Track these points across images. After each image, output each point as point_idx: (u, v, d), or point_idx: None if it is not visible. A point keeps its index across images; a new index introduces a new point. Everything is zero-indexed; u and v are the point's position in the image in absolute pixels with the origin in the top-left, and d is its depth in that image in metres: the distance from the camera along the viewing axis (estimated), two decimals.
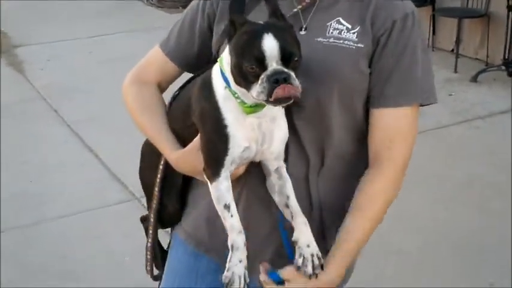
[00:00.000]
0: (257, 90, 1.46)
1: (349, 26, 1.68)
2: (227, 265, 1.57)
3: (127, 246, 3.94)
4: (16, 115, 6.19)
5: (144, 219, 2.00)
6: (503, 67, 6.98)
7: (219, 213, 1.61)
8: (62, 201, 4.69)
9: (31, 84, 7.16)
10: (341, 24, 1.69)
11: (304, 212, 1.65)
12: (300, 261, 1.61)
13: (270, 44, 1.46)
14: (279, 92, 1.44)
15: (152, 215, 1.91)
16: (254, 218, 1.75)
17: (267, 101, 1.46)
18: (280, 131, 1.63)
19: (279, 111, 1.61)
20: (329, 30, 1.69)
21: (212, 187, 1.61)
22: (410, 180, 4.66)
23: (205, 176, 1.63)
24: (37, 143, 5.64)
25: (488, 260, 3.93)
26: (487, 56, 7.45)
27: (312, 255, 1.61)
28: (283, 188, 1.66)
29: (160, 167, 1.85)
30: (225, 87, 1.57)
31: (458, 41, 7.44)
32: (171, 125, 1.81)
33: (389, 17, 1.68)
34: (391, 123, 1.70)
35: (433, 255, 3.98)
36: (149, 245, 1.95)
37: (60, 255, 4.04)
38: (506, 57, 6.97)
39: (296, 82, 1.45)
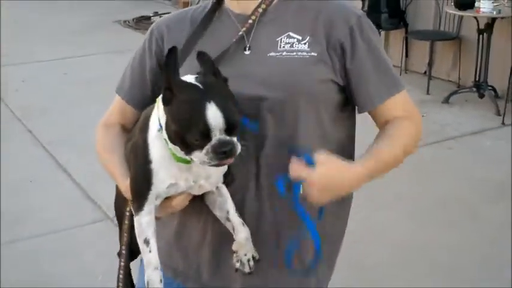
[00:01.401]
0: (201, 159, 1.46)
1: (300, 38, 1.72)
2: None
3: (101, 266, 3.94)
4: None
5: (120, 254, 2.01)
6: (474, 89, 7.08)
7: (140, 246, 1.62)
8: (36, 221, 4.68)
9: (6, 105, 7.14)
10: (291, 37, 1.72)
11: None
12: (237, 264, 1.69)
13: (214, 116, 1.43)
14: (224, 162, 1.49)
15: (124, 248, 1.88)
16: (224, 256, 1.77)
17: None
18: (216, 170, 1.60)
19: None
20: (280, 44, 1.71)
21: (135, 221, 1.62)
22: (382, 199, 4.76)
23: (132, 209, 1.65)
24: (11, 163, 5.61)
25: (459, 277, 3.97)
26: (459, 78, 7.57)
27: (249, 260, 1.69)
28: (224, 204, 1.68)
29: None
30: (158, 130, 1.56)
31: (430, 63, 7.55)
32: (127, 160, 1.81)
33: (345, 23, 1.72)
34: (392, 114, 1.76)
35: (404, 273, 4.01)
36: (121, 276, 1.88)
37: (34, 274, 4.02)
38: (477, 79, 7.07)
39: (238, 147, 1.47)
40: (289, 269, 1.78)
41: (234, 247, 1.68)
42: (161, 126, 1.54)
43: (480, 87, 7.02)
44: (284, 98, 1.68)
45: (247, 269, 1.69)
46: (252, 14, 1.76)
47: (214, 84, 1.51)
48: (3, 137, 6.19)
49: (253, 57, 1.69)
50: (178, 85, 1.49)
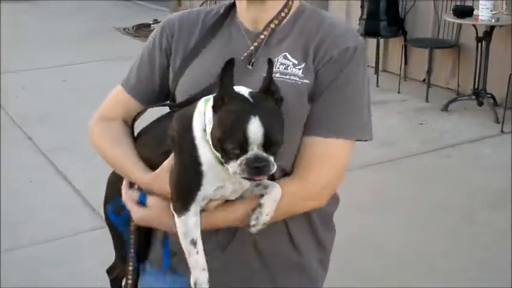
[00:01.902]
0: (234, 170, 1.47)
1: (295, 62, 1.71)
2: None
3: (99, 273, 3.92)
4: None
5: (109, 271, 2.01)
6: (473, 96, 7.10)
7: (184, 248, 1.59)
8: (35, 228, 4.68)
9: (5, 112, 7.16)
10: (287, 59, 1.72)
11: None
12: (253, 221, 1.62)
13: (254, 130, 1.44)
14: (255, 178, 1.48)
15: (130, 277, 1.89)
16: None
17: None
18: None
19: None
20: (276, 65, 1.71)
21: (180, 221, 1.58)
22: (381, 207, 4.76)
23: (172, 209, 1.61)
24: (11, 170, 5.63)
25: (457, 283, 3.96)
26: (458, 86, 7.59)
27: (264, 224, 1.63)
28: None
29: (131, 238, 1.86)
30: (204, 130, 1.55)
31: (429, 71, 7.57)
32: (140, 154, 1.80)
33: (328, 52, 1.70)
34: (316, 150, 1.70)
35: (403, 279, 4.01)
36: (129, 282, 1.89)
37: (33, 282, 4.02)
38: (476, 87, 7.09)
39: (273, 168, 1.47)
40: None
41: (262, 200, 1.62)
42: (205, 129, 1.54)
43: (479, 95, 7.04)
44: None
45: (254, 230, 1.63)
46: (264, 29, 1.76)
47: (264, 100, 1.52)
48: (3, 144, 6.20)
49: (252, 73, 1.70)
50: (230, 95, 1.50)
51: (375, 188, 4.99)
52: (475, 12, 6.76)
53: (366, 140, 1.75)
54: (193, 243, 1.57)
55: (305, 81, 1.69)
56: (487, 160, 5.90)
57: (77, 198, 5.15)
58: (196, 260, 1.57)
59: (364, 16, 7.93)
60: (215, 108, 1.51)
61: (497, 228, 4.58)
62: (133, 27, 11.18)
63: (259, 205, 1.63)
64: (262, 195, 1.64)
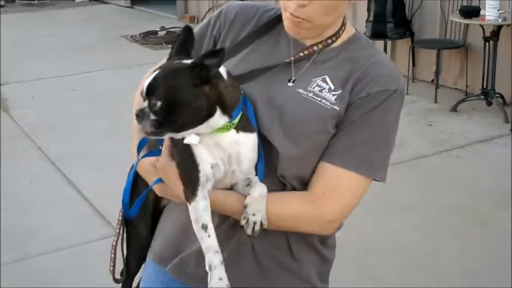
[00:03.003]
0: None
1: (332, 87, 1.71)
2: (209, 286, 1.56)
3: (110, 283, 3.93)
4: (1, 152, 6.20)
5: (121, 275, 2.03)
6: (482, 96, 7.08)
7: (196, 233, 1.61)
8: (45, 238, 4.69)
9: (15, 122, 7.19)
10: (325, 82, 1.72)
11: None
12: (243, 222, 1.66)
13: (146, 82, 1.58)
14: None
15: (120, 213, 1.95)
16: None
17: None
18: (247, 155, 1.65)
19: (243, 136, 1.64)
20: (312, 85, 1.72)
21: (191, 208, 1.62)
22: (391, 208, 4.75)
23: (185, 198, 1.65)
24: (21, 180, 5.65)
25: (467, 285, 3.96)
26: (466, 86, 7.57)
27: (255, 223, 1.66)
28: (248, 179, 1.70)
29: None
30: None
31: (437, 72, 7.56)
32: None
33: (367, 87, 1.70)
34: (332, 180, 1.71)
35: (413, 283, 4.00)
36: (113, 243, 1.95)
37: None
38: (485, 87, 7.07)
39: (146, 122, 1.56)
40: None
41: (246, 201, 1.65)
42: None
43: (488, 94, 7.02)
44: (288, 134, 1.69)
45: (249, 231, 1.66)
46: (307, 48, 1.76)
47: (178, 65, 1.60)
48: (13, 154, 6.23)
49: (290, 90, 1.72)
50: (171, 57, 1.68)
51: (384, 190, 4.92)
52: (481, 12, 6.75)
53: (379, 181, 1.75)
54: (204, 227, 1.59)
55: (335, 107, 1.69)
56: (496, 160, 5.87)
57: (87, 207, 5.16)
58: (209, 243, 1.59)
59: (371, 18, 7.92)
60: None
61: (507, 229, 4.55)
62: (140, 34, 11.21)
63: (244, 206, 1.66)
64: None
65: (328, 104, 1.70)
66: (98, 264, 4.25)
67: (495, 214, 4.83)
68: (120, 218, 1.96)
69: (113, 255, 1.96)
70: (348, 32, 1.80)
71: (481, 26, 6.87)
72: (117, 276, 2.02)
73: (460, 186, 5.34)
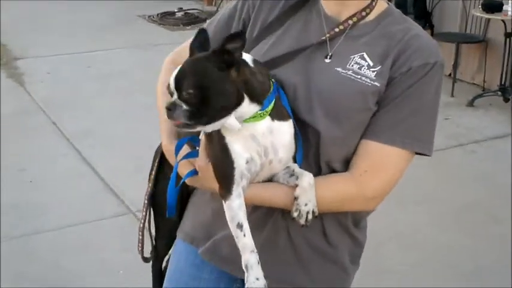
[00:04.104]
0: None
1: (371, 64, 1.70)
2: (246, 286, 1.56)
3: (122, 260, 3.95)
4: (15, 127, 6.20)
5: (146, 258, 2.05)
6: (499, 92, 7.04)
7: (232, 232, 1.61)
8: (59, 213, 4.70)
9: (31, 97, 7.18)
10: (364, 59, 1.71)
11: None
12: (295, 214, 1.65)
13: (172, 76, 1.57)
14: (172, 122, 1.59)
15: (146, 197, 1.97)
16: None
17: None
18: (283, 143, 1.64)
19: (277, 124, 1.63)
20: (350, 62, 1.70)
21: (226, 206, 1.61)
22: (406, 201, 4.73)
23: (220, 196, 1.64)
24: (35, 155, 5.66)
25: (481, 280, 3.95)
26: (484, 81, 7.51)
27: (308, 213, 1.65)
28: (289, 168, 1.69)
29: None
30: None
31: (455, 66, 7.50)
32: None
33: (408, 62, 1.69)
34: (377, 157, 1.70)
35: (427, 276, 3.99)
36: (141, 225, 1.98)
37: (56, 266, 4.05)
38: (503, 83, 7.02)
39: (180, 114, 1.54)
40: None
41: (296, 193, 1.65)
42: None
43: (505, 91, 6.97)
44: (329, 114, 1.68)
45: (303, 221, 1.66)
46: (342, 23, 1.75)
47: (201, 56, 1.60)
48: (27, 128, 6.23)
49: (328, 67, 1.70)
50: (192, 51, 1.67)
51: (399, 184, 4.89)
52: (504, 7, 6.69)
53: (425, 155, 1.74)
54: (240, 226, 1.59)
55: (376, 83, 1.68)
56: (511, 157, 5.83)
57: (100, 184, 5.16)
58: (245, 243, 1.59)
59: None
60: None
61: None
62: (158, 14, 11.16)
63: (295, 197, 1.65)
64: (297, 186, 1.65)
65: (369, 81, 1.68)
66: (109, 241, 4.32)
67: (508, 210, 4.79)
68: (146, 201, 1.96)
69: (140, 237, 1.97)
70: (381, 5, 1.79)
71: (502, 21, 6.82)
72: (146, 255, 2.03)
73: (474, 181, 5.32)
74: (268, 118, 1.60)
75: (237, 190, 1.60)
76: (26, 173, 5.30)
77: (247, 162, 1.60)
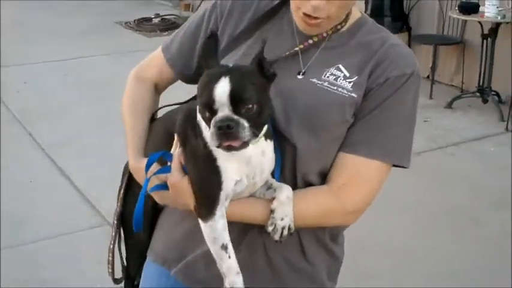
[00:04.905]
0: (208, 135, 1.45)
1: (347, 74, 1.66)
2: None
3: (99, 272, 3.87)
4: None
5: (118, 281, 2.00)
6: (478, 94, 7.04)
7: (214, 254, 1.55)
8: (34, 225, 4.62)
9: (6, 107, 7.09)
10: (339, 70, 1.66)
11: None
12: (270, 228, 1.60)
13: (220, 89, 1.41)
14: (225, 143, 1.43)
15: (115, 216, 1.91)
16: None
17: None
18: (269, 163, 1.60)
19: (266, 144, 1.57)
20: (326, 73, 1.66)
21: (207, 226, 1.55)
22: (384, 206, 4.72)
23: (197, 215, 1.58)
24: (10, 166, 5.57)
25: (463, 284, 3.92)
26: (462, 83, 7.53)
27: (283, 228, 1.60)
28: (267, 182, 1.64)
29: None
30: None
31: (433, 68, 7.50)
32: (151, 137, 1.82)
33: (385, 74, 1.65)
34: (355, 170, 1.66)
35: (410, 282, 3.95)
36: (110, 246, 1.91)
37: (32, 280, 3.98)
38: (481, 84, 7.03)
39: (244, 131, 1.42)
40: None
41: (273, 206, 1.60)
42: None
43: (484, 92, 6.98)
44: (306, 127, 1.64)
45: (277, 236, 1.60)
46: (316, 35, 1.70)
47: (243, 67, 1.50)
48: (3, 139, 6.14)
49: (301, 81, 1.66)
50: (210, 63, 1.51)
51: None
52: (480, 9, 6.70)
53: (403, 167, 1.70)
54: (224, 247, 1.54)
55: (352, 95, 1.64)
56: (491, 159, 5.84)
57: (76, 195, 5.09)
58: (230, 264, 1.54)
59: (368, 12, 7.84)
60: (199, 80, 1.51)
61: (503, 228, 4.52)
62: (135, 21, 11.11)
63: (271, 210, 1.60)
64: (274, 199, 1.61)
65: (345, 92, 1.64)
66: (86, 254, 4.24)
67: (489, 213, 4.80)
68: (116, 221, 1.90)
69: (110, 258, 1.92)
70: (354, 15, 1.75)
71: (479, 22, 6.82)
72: (116, 276, 1.98)
73: (454, 184, 5.30)
74: (262, 138, 1.54)
75: (221, 210, 1.54)
76: (1, 184, 5.21)
77: (235, 184, 1.55)
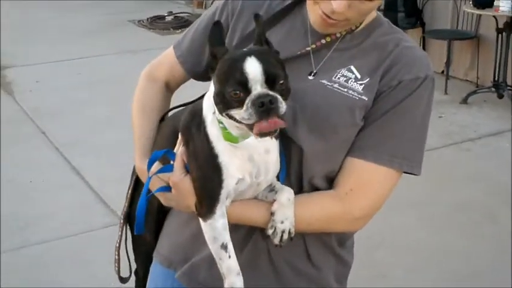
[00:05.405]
0: (242, 116, 1.38)
1: (359, 76, 1.62)
2: None
3: (112, 272, 3.86)
4: (3, 137, 6.12)
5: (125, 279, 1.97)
6: (493, 89, 6.98)
7: (214, 254, 1.52)
8: (47, 225, 4.62)
9: (19, 106, 7.11)
10: (351, 72, 1.63)
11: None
12: (270, 231, 1.57)
13: (252, 67, 1.38)
14: (263, 126, 1.37)
15: (122, 216, 1.89)
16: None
17: (251, 128, 1.39)
18: (274, 163, 1.56)
19: (272, 143, 1.54)
20: (337, 75, 1.62)
21: (206, 225, 1.52)
22: (399, 203, 4.68)
23: (197, 214, 1.56)
24: (24, 165, 5.58)
25: (477, 281, 3.88)
26: (477, 78, 7.46)
27: (283, 231, 1.57)
28: (270, 184, 1.60)
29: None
30: (213, 113, 1.50)
31: (448, 63, 7.45)
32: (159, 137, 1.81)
33: (398, 76, 1.61)
34: (363, 176, 1.62)
35: (421, 279, 3.92)
36: (117, 245, 1.90)
37: (45, 281, 3.96)
38: (496, 79, 6.96)
39: (282, 106, 1.38)
40: None
41: (273, 208, 1.56)
42: (215, 111, 1.49)
43: (499, 87, 6.91)
44: (313, 129, 1.60)
45: (277, 240, 1.57)
46: (329, 35, 1.66)
47: (259, 48, 1.49)
48: (17, 138, 6.15)
49: (311, 82, 1.63)
50: (221, 50, 1.47)
51: None
52: (495, 3, 6.64)
53: (415, 174, 1.66)
54: (224, 247, 1.51)
55: (363, 97, 1.60)
56: (507, 154, 5.76)
57: (90, 194, 5.09)
58: (229, 264, 1.51)
59: (382, 7, 7.78)
60: (212, 69, 1.48)
61: None
62: (148, 19, 11.11)
63: (271, 213, 1.57)
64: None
65: (356, 94, 1.60)
66: (99, 253, 4.22)
67: (505, 210, 4.73)
68: (122, 221, 1.89)
69: (116, 257, 1.90)
70: (370, 15, 1.70)
71: (494, 17, 6.77)
72: (123, 274, 1.96)
73: (469, 180, 5.25)
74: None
75: (221, 209, 1.52)
76: (14, 184, 5.21)
77: (237, 182, 1.52)
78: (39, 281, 3.97)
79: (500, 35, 6.85)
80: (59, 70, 8.39)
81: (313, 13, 1.65)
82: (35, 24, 10.61)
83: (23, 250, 4.32)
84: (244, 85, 1.38)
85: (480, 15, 7.12)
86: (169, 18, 11.17)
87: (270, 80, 1.39)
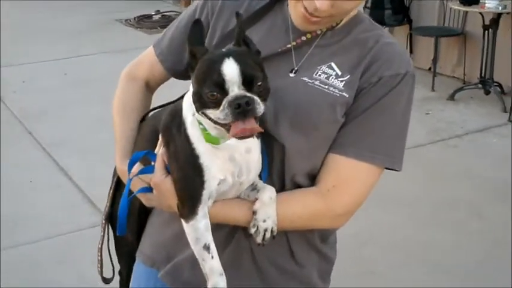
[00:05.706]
0: (218, 116, 1.39)
1: (339, 73, 1.62)
2: None
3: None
4: None
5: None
6: (480, 85, 7.00)
7: (197, 254, 1.52)
8: (35, 224, 4.60)
9: (6, 106, 7.07)
10: (332, 69, 1.62)
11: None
12: (253, 230, 1.58)
13: (229, 68, 1.38)
14: (239, 130, 1.38)
15: (104, 217, 1.89)
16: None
17: (227, 129, 1.40)
18: (256, 162, 1.56)
19: (253, 142, 1.53)
20: (317, 72, 1.62)
21: (188, 226, 1.52)
22: (385, 200, 4.69)
23: (179, 215, 1.55)
24: (11, 166, 5.55)
25: (464, 277, 3.90)
26: (464, 75, 7.49)
27: (265, 230, 1.57)
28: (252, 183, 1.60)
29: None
30: (193, 114, 1.50)
31: (435, 60, 7.47)
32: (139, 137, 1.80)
33: (378, 73, 1.61)
34: (344, 172, 1.62)
35: (409, 275, 3.93)
36: (99, 246, 1.89)
37: (33, 280, 3.95)
38: (483, 76, 6.99)
39: (260, 107, 1.39)
40: None
41: (255, 207, 1.56)
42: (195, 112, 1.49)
43: (486, 83, 6.94)
44: (295, 126, 1.60)
45: (259, 239, 1.58)
46: (309, 32, 1.66)
47: (238, 49, 1.48)
48: (3, 139, 6.12)
49: (293, 79, 1.62)
50: (201, 50, 1.48)
51: (379, 180, 4.83)
52: (481, 0, 6.65)
53: (396, 170, 1.66)
54: (207, 248, 1.51)
55: (344, 94, 1.60)
56: (494, 150, 5.80)
57: (77, 194, 5.07)
58: (212, 265, 1.51)
59: (369, 5, 7.82)
60: (192, 69, 1.48)
61: (505, 221, 4.48)
62: (135, 18, 11.08)
63: (253, 212, 1.56)
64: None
65: (337, 91, 1.60)
66: (86, 253, 4.18)
67: (492, 206, 4.76)
68: (104, 222, 1.88)
69: (99, 258, 1.89)
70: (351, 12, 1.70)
71: (480, 13, 6.79)
72: (106, 275, 1.95)
73: (456, 176, 5.27)
74: None
75: (203, 210, 1.51)
76: (1, 184, 5.18)
77: (219, 183, 1.52)
78: (28, 281, 3.96)
79: (486, 31, 6.87)
80: (46, 70, 8.34)
81: (294, 10, 1.64)
82: (20, 25, 10.55)
83: (11, 250, 4.30)
84: (221, 87, 1.39)
85: (467, 12, 7.14)
86: (156, 17, 11.14)
87: (247, 82, 1.39)
